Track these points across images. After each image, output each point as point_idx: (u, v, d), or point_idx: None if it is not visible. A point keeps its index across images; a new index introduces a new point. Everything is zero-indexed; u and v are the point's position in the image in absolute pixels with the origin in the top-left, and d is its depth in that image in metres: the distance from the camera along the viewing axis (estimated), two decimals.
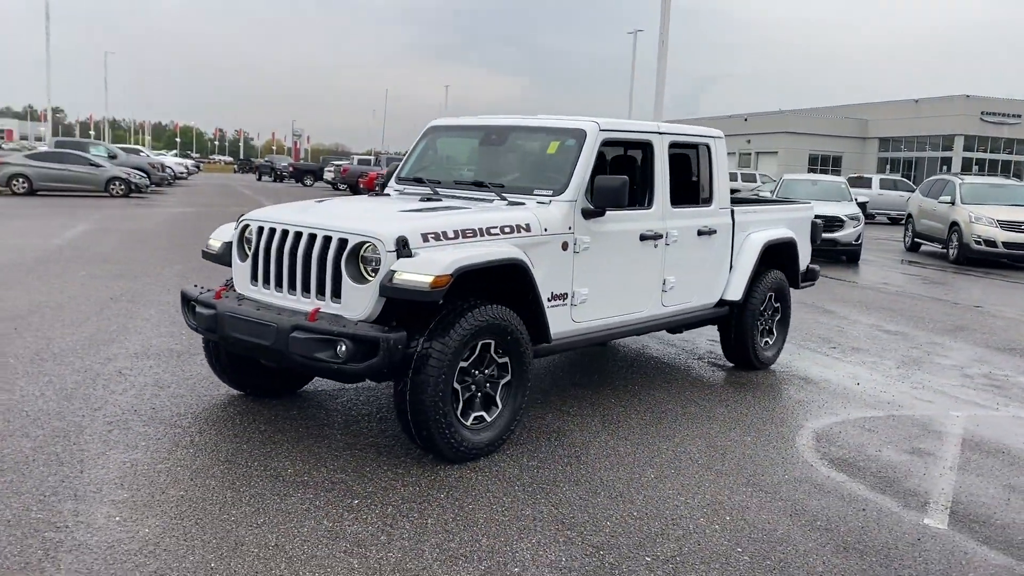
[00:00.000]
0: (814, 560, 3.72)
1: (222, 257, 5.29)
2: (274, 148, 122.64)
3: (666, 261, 6.11)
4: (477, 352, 4.65)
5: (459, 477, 4.44)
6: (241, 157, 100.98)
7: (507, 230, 4.95)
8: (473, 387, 4.68)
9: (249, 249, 5.04)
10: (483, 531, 3.81)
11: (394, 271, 4.36)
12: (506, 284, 4.92)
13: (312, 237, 4.68)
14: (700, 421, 5.67)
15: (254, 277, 4.99)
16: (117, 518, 3.74)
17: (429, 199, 5.60)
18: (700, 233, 6.42)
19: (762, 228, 7.16)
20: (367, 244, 4.49)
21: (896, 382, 7.13)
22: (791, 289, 7.67)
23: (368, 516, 3.90)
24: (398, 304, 4.50)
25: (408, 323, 4.51)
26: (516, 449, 4.91)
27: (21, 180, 25.13)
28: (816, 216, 15.43)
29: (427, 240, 4.57)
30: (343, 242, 4.56)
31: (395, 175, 6.37)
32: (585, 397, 6.09)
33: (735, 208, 6.94)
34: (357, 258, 4.53)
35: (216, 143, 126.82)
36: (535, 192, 5.41)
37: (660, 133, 6.07)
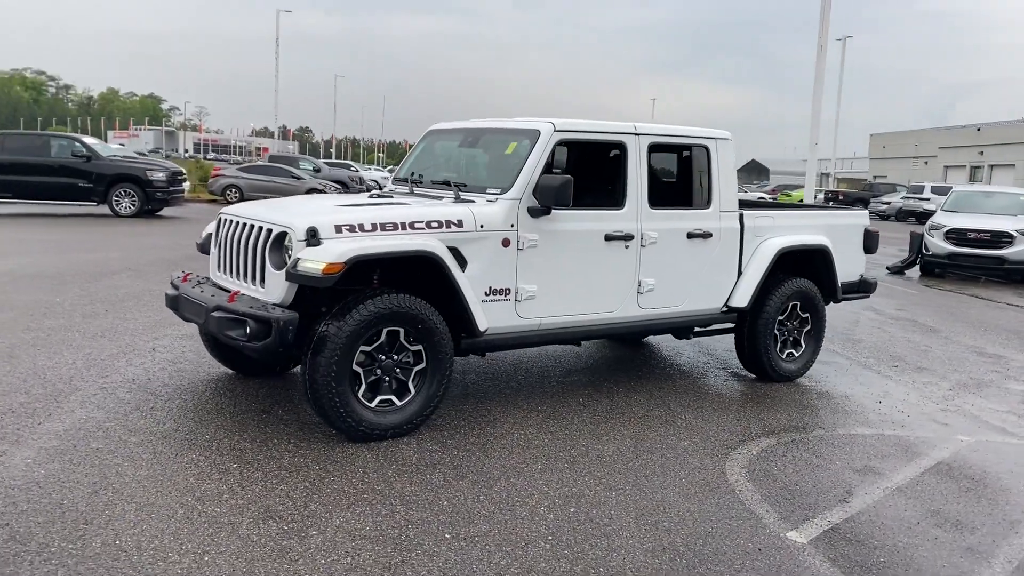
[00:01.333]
0: (615, 556, 3.68)
1: (205, 247, 5.92)
2: None
3: (641, 262, 6.05)
4: (383, 338, 4.93)
5: (351, 454, 4.72)
6: None
7: (434, 225, 5.18)
8: (379, 371, 4.96)
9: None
10: (320, 499, 4.09)
11: (298, 258, 4.74)
12: (432, 276, 5.15)
13: (251, 228, 5.18)
14: (651, 424, 5.59)
15: (218, 264, 5.57)
16: (29, 460, 4.38)
17: (381, 195, 5.95)
18: (691, 236, 6.29)
19: (782, 234, 6.86)
20: (287, 234, 4.92)
21: (929, 403, 6.58)
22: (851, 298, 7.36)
23: (230, 478, 4.29)
24: (321, 290, 4.88)
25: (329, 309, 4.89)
26: (432, 433, 5.12)
27: (233, 190, 28.02)
28: (979, 231, 14.27)
29: (340, 231, 4.91)
30: (269, 232, 5.01)
31: (393, 176, 6.79)
32: (553, 392, 6.16)
33: (746, 212, 6.71)
34: (282, 247, 4.96)
35: None
36: (487, 190, 5.60)
37: (637, 134, 6.04)
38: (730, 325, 6.84)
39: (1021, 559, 3.91)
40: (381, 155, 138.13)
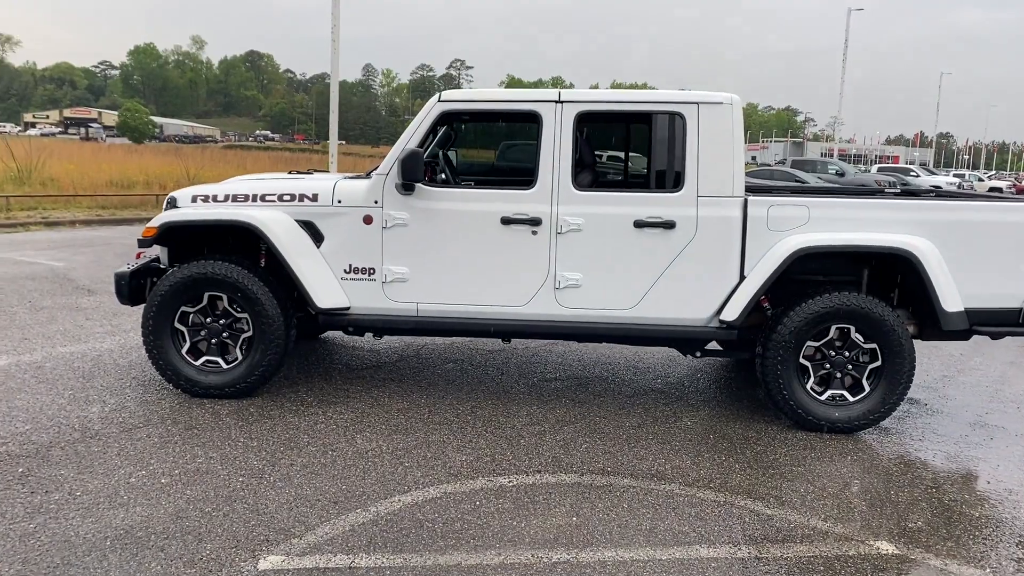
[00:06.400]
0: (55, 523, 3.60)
1: None
2: None
3: (558, 252, 5.14)
4: (205, 301, 5.24)
5: (159, 401, 5.18)
6: None
7: (286, 198, 5.30)
8: (203, 332, 5.27)
9: None
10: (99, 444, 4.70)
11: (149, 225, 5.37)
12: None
13: None
14: (447, 426, 4.81)
15: None
16: None
17: (313, 171, 6.17)
18: (641, 225, 5.09)
19: (821, 229, 5.03)
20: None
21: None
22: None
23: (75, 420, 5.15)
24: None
25: None
26: (258, 400, 5.24)
27: None
28: None
29: (195, 201, 5.39)
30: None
31: None
32: (478, 387, 5.60)
33: (756, 198, 5.13)
34: None
35: None
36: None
37: (559, 102, 5.12)
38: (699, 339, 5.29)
39: None
40: None
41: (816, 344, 5.12)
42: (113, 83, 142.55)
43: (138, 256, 5.76)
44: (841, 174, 30.65)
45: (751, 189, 5.50)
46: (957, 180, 40.66)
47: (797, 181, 26.43)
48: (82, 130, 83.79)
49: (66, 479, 3.99)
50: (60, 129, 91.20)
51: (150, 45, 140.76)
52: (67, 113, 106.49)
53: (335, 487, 4.03)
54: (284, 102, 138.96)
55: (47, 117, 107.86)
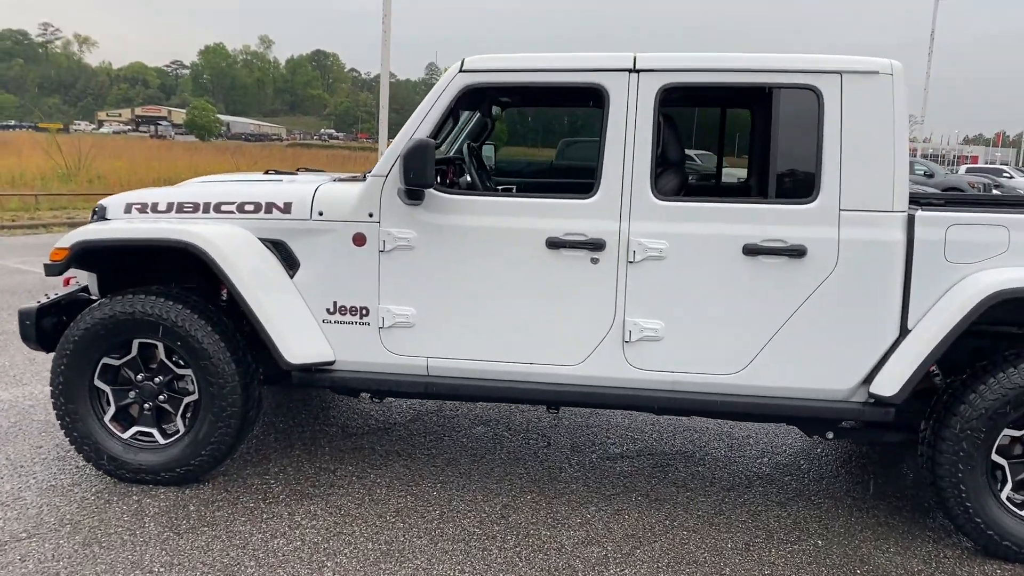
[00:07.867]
0: None
1: None
2: None
3: (628, 290, 3.55)
4: (135, 351, 3.77)
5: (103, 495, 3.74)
6: None
7: (248, 208, 3.82)
8: (133, 394, 3.81)
9: None
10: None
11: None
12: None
13: None
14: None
15: None
16: None
17: (301, 171, 4.69)
18: (754, 252, 3.46)
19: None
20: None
21: None
22: None
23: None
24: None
25: None
26: (221, 501, 3.76)
27: None
28: None
29: (129, 211, 3.97)
30: None
31: None
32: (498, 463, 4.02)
33: (926, 213, 3.45)
34: None
35: None
36: None
37: (634, 71, 3.52)
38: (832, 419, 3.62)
39: None
40: None
41: (1016, 434, 3.43)
42: (184, 82, 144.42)
43: (66, 283, 4.33)
44: (930, 175, 28.23)
45: (914, 200, 3.82)
46: None
47: None
48: (152, 128, 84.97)
49: None
50: (131, 127, 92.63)
51: (219, 45, 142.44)
52: (138, 111, 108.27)
53: None
54: (348, 101, 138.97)
55: (119, 115, 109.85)
